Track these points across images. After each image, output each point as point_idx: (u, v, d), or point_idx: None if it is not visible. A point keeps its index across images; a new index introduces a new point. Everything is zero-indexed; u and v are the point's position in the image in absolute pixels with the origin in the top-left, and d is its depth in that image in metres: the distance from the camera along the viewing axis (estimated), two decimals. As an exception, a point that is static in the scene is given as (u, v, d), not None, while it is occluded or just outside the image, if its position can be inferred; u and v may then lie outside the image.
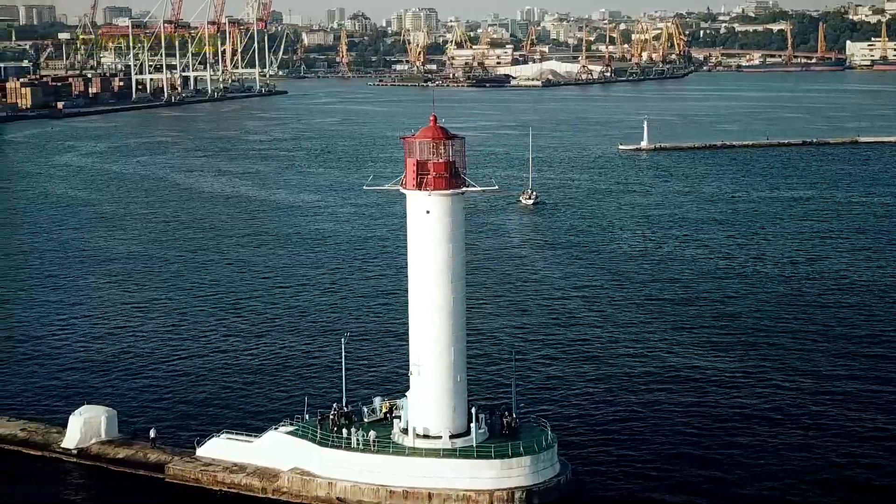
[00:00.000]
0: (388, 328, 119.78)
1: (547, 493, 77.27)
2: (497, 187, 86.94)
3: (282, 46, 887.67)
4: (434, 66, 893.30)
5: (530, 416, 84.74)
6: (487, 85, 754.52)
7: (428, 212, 78.33)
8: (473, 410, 79.81)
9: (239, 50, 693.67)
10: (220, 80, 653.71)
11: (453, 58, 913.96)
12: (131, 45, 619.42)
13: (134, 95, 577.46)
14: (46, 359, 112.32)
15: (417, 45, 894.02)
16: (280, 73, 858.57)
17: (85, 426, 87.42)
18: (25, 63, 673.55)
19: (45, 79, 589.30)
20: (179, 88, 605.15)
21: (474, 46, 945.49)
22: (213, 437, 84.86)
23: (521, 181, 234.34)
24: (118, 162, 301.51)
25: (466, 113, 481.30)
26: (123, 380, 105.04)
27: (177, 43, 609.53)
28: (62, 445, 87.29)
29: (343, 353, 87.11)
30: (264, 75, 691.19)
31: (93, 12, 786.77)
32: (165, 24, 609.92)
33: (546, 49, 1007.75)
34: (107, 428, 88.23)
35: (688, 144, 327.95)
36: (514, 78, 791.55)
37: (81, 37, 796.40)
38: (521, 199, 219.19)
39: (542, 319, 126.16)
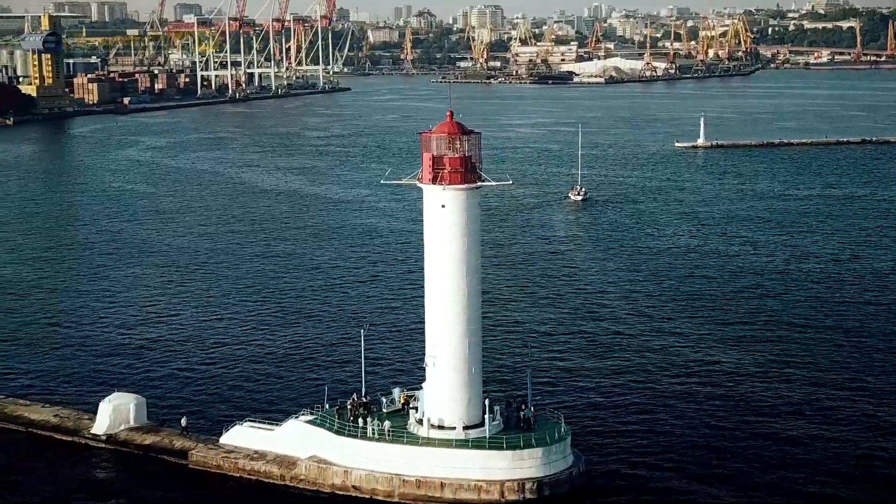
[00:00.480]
0: (415, 320, 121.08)
1: (558, 485, 78.03)
2: (511, 182, 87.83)
3: (347, 43, 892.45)
4: (498, 63, 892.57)
5: (546, 408, 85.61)
6: (550, 82, 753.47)
7: (443, 206, 79.56)
8: (486, 402, 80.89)
9: (303, 47, 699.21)
10: (284, 76, 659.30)
11: (517, 55, 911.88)
12: (196, 41, 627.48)
13: (199, 92, 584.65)
14: (84, 346, 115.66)
15: (481, 42, 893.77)
16: (345, 69, 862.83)
17: (114, 413, 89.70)
18: (94, 59, 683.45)
19: (112, 75, 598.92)
20: (244, 85, 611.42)
21: (538, 43, 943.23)
22: (236, 424, 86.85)
23: (572, 177, 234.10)
24: (177, 157, 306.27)
25: (526, 109, 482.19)
26: (156, 368, 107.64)
27: (241, 40, 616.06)
28: (92, 431, 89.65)
29: (363, 345, 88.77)
30: (328, 72, 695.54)
31: (161, 9, 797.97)
32: (230, 21, 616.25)
33: (611, 46, 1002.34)
34: (135, 415, 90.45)
35: (745, 142, 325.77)
36: (577, 75, 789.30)
37: (150, 34, 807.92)
38: (569, 194, 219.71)
39: (570, 313, 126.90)
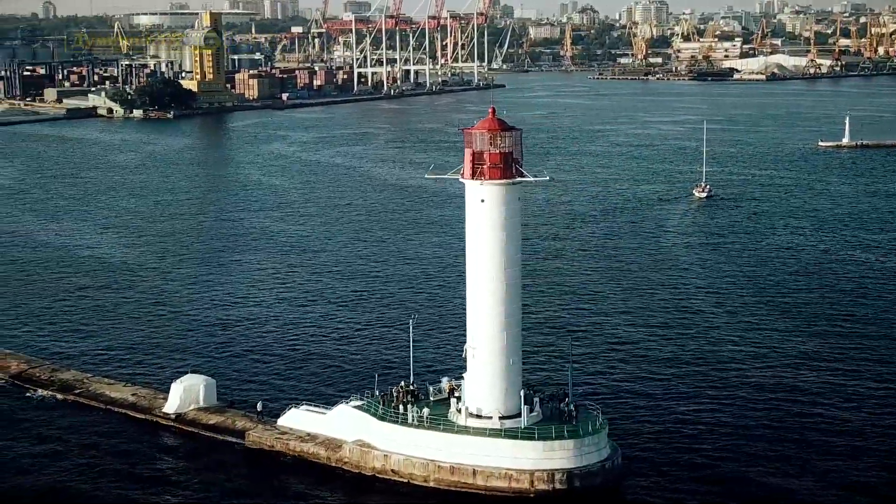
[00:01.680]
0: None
1: (590, 477, 79.28)
2: (549, 178, 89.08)
3: (507, 40, 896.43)
4: (659, 60, 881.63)
5: (586, 401, 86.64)
6: (709, 79, 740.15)
7: (483, 200, 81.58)
8: (522, 393, 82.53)
9: (460, 44, 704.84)
10: (439, 73, 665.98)
11: (679, 51, 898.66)
12: (354, 39, 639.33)
13: (355, 88, 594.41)
14: (175, 327, 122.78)
15: (642, 38, 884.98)
16: (504, 66, 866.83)
17: (184, 394, 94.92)
18: (257, 56, 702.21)
19: (274, 71, 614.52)
20: (399, 81, 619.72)
21: (701, 39, 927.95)
22: (292, 407, 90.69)
23: (698, 175, 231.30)
24: (319, 151, 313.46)
25: (677, 107, 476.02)
26: (235, 350, 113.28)
27: (398, 37, 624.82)
28: (163, 410, 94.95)
29: (411, 334, 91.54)
30: (483, 69, 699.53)
31: (325, 7, 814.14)
32: (387, 19, 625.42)
33: (778, 42, 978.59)
34: (205, 396, 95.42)
35: (892, 142, 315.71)
36: (738, 72, 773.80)
37: (313, 31, 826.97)
38: (693, 191, 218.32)
39: (648, 307, 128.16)
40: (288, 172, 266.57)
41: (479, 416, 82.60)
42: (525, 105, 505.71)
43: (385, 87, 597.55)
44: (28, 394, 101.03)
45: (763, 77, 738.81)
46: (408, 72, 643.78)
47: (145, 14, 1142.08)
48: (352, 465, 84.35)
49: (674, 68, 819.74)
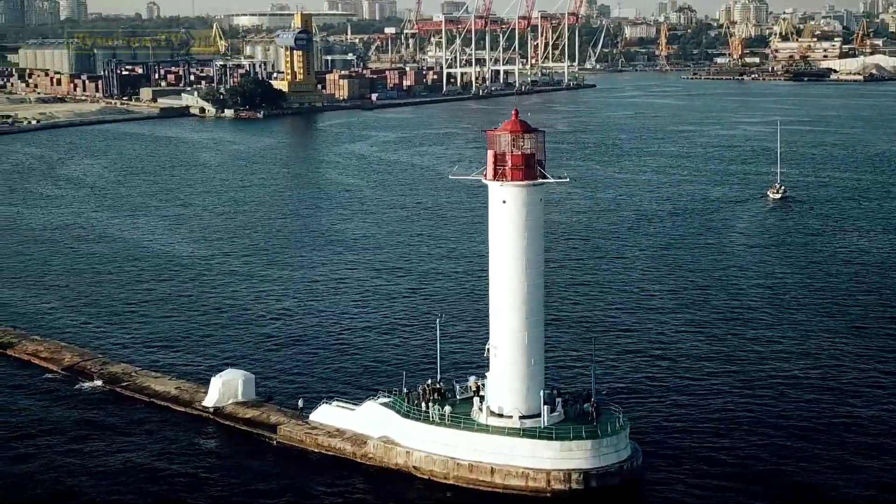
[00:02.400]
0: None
1: (607, 477, 79.71)
2: (568, 179, 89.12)
3: (601, 40, 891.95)
4: (757, 59, 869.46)
5: (610, 401, 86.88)
6: (805, 79, 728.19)
7: (504, 202, 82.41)
8: (542, 393, 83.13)
9: (551, 43, 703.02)
10: (529, 73, 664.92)
11: (777, 50, 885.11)
12: (444, 39, 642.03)
13: (444, 88, 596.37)
14: (226, 322, 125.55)
15: (738, 38, 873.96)
16: (598, 66, 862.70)
17: (223, 388, 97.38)
18: (350, 56, 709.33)
19: (365, 72, 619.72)
20: (488, 82, 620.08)
21: (800, 39, 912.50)
22: (324, 403, 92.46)
23: (773, 176, 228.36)
24: (398, 151, 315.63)
25: (767, 107, 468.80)
26: (281, 347, 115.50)
27: (488, 37, 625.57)
28: (203, 404, 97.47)
29: (438, 332, 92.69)
30: (574, 69, 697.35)
31: (418, 7, 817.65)
32: (476, 19, 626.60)
33: (879, 42, 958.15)
34: (243, 390, 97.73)
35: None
36: (835, 72, 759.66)
37: (406, 32, 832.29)
38: (768, 193, 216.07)
39: (695, 307, 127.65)
40: (365, 172, 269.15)
41: (499, 415, 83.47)
42: (613, 105, 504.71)
43: (473, 88, 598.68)
44: (77, 385, 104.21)
45: (861, 77, 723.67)
46: (497, 72, 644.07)
47: (245, 15, 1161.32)
48: (375, 460, 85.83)
49: (770, 68, 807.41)
